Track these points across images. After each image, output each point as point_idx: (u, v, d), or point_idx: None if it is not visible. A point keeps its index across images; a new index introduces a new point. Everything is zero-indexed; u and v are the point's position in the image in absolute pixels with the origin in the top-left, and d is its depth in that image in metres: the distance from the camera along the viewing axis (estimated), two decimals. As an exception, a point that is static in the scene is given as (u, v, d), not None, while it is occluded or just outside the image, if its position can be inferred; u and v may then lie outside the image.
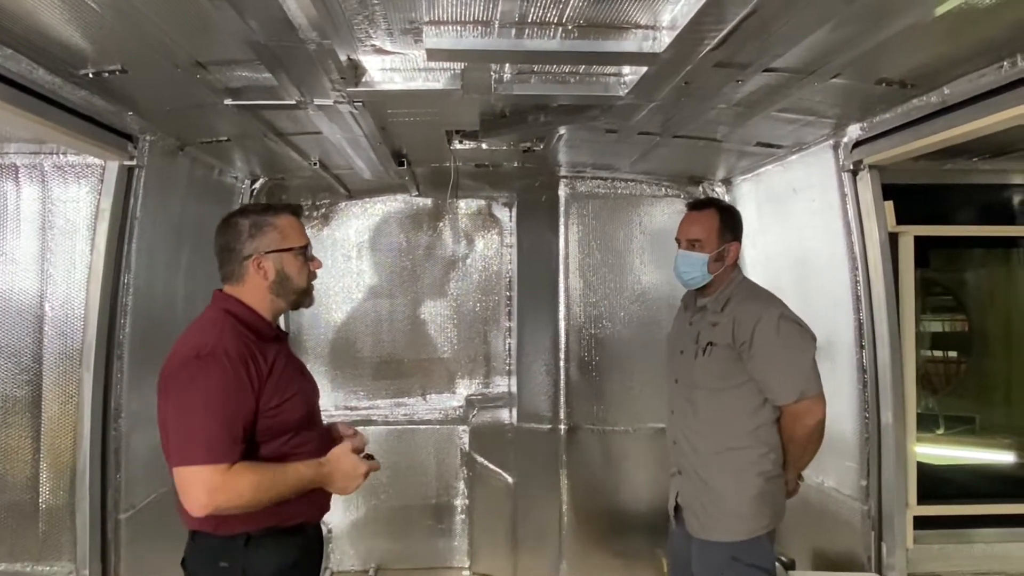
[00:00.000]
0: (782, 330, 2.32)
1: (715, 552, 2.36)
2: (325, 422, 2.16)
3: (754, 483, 2.36)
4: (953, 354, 4.01)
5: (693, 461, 2.41)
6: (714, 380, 2.36)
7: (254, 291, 1.95)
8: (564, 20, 1.93)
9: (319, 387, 2.15)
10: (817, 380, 2.35)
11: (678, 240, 2.50)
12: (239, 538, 1.82)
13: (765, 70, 2.23)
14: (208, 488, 1.69)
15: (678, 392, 2.47)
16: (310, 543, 1.99)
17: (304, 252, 2.01)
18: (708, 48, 1.95)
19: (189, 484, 1.70)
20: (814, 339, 2.38)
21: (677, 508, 2.50)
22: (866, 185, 2.87)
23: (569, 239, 4.32)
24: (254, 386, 1.80)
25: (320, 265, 2.08)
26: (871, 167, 2.83)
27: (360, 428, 4.77)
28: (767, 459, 2.37)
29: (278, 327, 2.04)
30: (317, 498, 1.96)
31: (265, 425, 1.82)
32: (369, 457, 2.00)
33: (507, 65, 2.34)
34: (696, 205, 2.65)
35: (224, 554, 1.83)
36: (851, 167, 2.90)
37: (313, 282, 2.05)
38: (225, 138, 3.12)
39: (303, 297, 2.03)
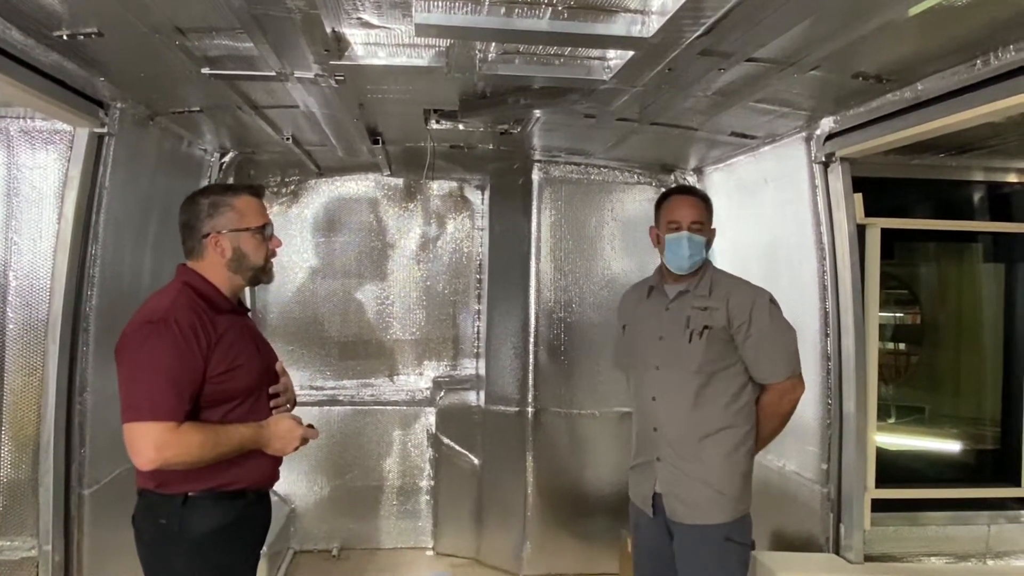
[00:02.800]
0: (773, 313, 2.41)
1: (707, 535, 2.39)
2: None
3: (743, 462, 2.42)
4: (904, 346, 4.14)
5: (680, 446, 2.43)
6: (709, 363, 2.40)
7: (212, 267, 2.04)
8: (555, 1, 1.93)
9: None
10: (799, 360, 2.46)
11: (676, 223, 2.46)
12: (177, 497, 1.91)
13: (747, 59, 2.27)
14: (156, 443, 1.79)
15: (660, 378, 2.48)
16: (252, 509, 2.06)
17: (262, 231, 2.08)
18: (696, 35, 1.98)
19: (137, 439, 1.80)
20: None
21: (655, 496, 2.50)
22: (837, 177, 2.94)
23: (541, 223, 4.34)
24: (202, 352, 1.89)
25: (279, 244, 2.15)
26: (842, 159, 2.90)
27: (327, 408, 4.73)
28: (750, 437, 2.44)
29: (239, 301, 2.13)
30: (259, 465, 2.04)
31: (211, 390, 1.91)
32: (310, 427, 2.11)
33: (492, 44, 2.34)
34: (689, 191, 2.67)
35: (163, 512, 1.92)
36: (823, 159, 2.97)
37: (272, 260, 2.13)
38: (197, 108, 3.05)
39: (260, 274, 2.11)
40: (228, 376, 1.94)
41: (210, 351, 1.91)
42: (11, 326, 2.66)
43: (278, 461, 2.13)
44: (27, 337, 2.66)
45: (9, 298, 2.66)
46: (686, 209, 2.50)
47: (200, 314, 1.93)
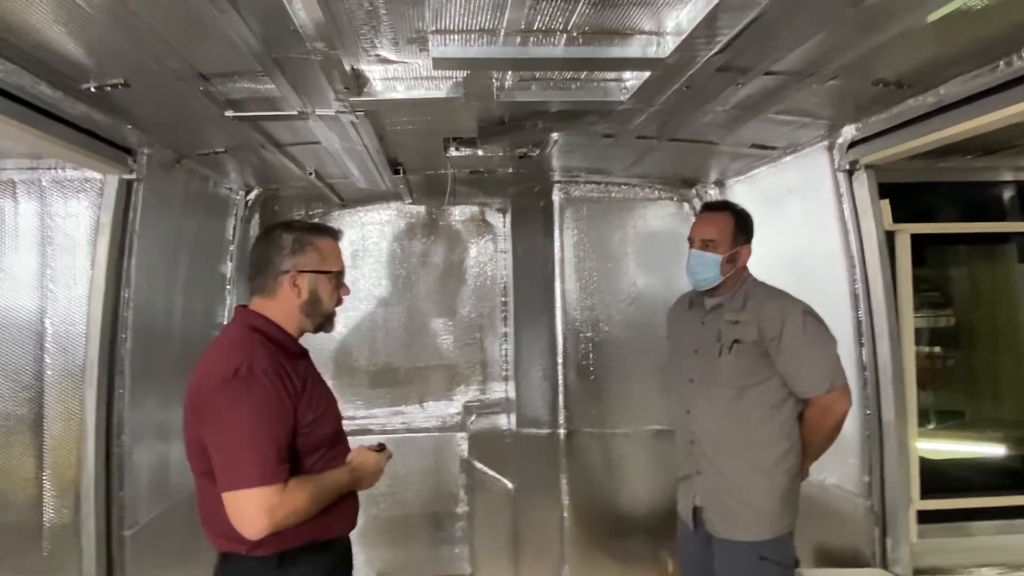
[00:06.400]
0: (808, 324, 2.39)
1: (742, 552, 2.37)
2: None
3: (782, 480, 2.39)
4: (939, 349, 4.06)
5: (716, 460, 2.42)
6: (740, 377, 2.38)
7: (283, 308, 1.94)
8: (569, 27, 1.94)
9: None
10: (843, 371, 2.41)
11: (691, 240, 2.52)
12: (272, 558, 1.80)
13: (765, 73, 2.26)
14: (267, 509, 1.68)
15: (696, 392, 2.48)
16: (341, 557, 1.99)
17: (338, 278, 2.02)
18: (712, 53, 1.97)
19: (245, 506, 1.68)
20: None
21: (695, 510, 2.49)
22: (862, 184, 2.90)
23: (564, 243, 4.33)
24: (292, 402, 1.79)
25: (348, 292, 2.07)
26: (867, 167, 2.87)
27: (359, 438, 4.77)
28: (791, 455, 2.40)
29: (300, 343, 2.03)
30: (348, 511, 1.97)
31: (302, 441, 1.82)
32: (381, 447, 2.06)
33: (509, 72, 2.35)
34: (711, 207, 2.68)
35: (260, 575, 1.81)
36: (847, 167, 2.93)
37: (338, 308, 2.05)
38: (222, 149, 3.10)
39: (327, 322, 2.03)
40: (315, 425, 1.85)
41: (298, 400, 1.81)
42: (49, 372, 2.72)
43: (359, 503, 2.06)
44: (65, 383, 2.71)
45: (47, 344, 2.72)
46: (699, 226, 2.55)
47: (280, 361, 1.83)
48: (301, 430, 1.81)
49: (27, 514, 2.69)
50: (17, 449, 2.69)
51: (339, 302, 2.04)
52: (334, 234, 2.05)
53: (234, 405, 1.72)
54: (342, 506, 1.93)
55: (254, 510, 1.68)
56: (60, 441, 2.70)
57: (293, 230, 1.98)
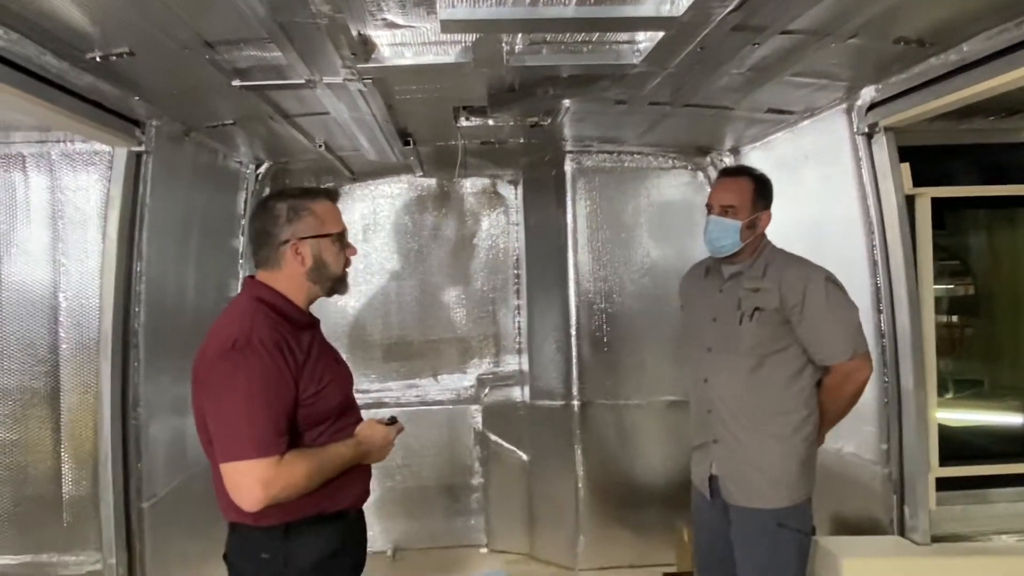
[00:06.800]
0: (830, 291, 2.34)
1: (760, 519, 2.36)
2: None
3: (800, 447, 2.37)
4: (957, 318, 4.01)
5: (734, 428, 2.40)
6: (761, 345, 2.35)
7: (290, 277, 1.90)
8: (581, -15, 1.89)
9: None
10: (864, 338, 2.38)
11: (709, 206, 2.47)
12: (278, 528, 1.78)
13: (782, 32, 2.20)
14: (263, 481, 1.66)
15: (714, 360, 2.46)
16: (352, 529, 1.95)
17: (341, 238, 1.95)
18: (728, 10, 1.92)
19: (242, 478, 1.67)
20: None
21: (711, 479, 2.48)
22: (881, 148, 2.84)
23: (577, 214, 4.29)
24: (292, 374, 1.76)
25: (355, 252, 2.01)
26: (886, 129, 2.80)
27: (373, 411, 4.79)
28: (809, 422, 2.38)
29: (310, 313, 2.00)
30: (358, 483, 1.94)
31: (305, 413, 1.79)
32: (393, 420, 2.00)
33: (519, 36, 2.31)
34: (729, 172, 2.63)
35: (265, 545, 1.79)
36: (866, 130, 2.87)
37: (348, 268, 2.00)
38: (230, 121, 3.08)
39: (338, 284, 1.98)
40: (319, 396, 1.81)
41: (299, 372, 1.77)
42: (64, 346, 2.73)
43: (370, 474, 2.02)
44: (80, 356, 2.72)
45: (60, 319, 2.73)
46: (718, 191, 2.50)
47: (283, 333, 1.79)
48: (304, 402, 1.78)
49: (47, 486, 2.72)
50: (35, 422, 2.72)
51: (347, 263, 1.99)
52: (329, 195, 1.98)
53: (231, 377, 1.70)
54: (351, 478, 1.89)
55: (250, 482, 1.66)
56: (77, 414, 2.72)
57: (286, 198, 1.93)
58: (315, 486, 1.76)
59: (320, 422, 1.84)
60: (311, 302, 1.96)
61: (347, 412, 1.95)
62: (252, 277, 1.95)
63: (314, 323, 1.97)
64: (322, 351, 1.91)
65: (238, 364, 1.69)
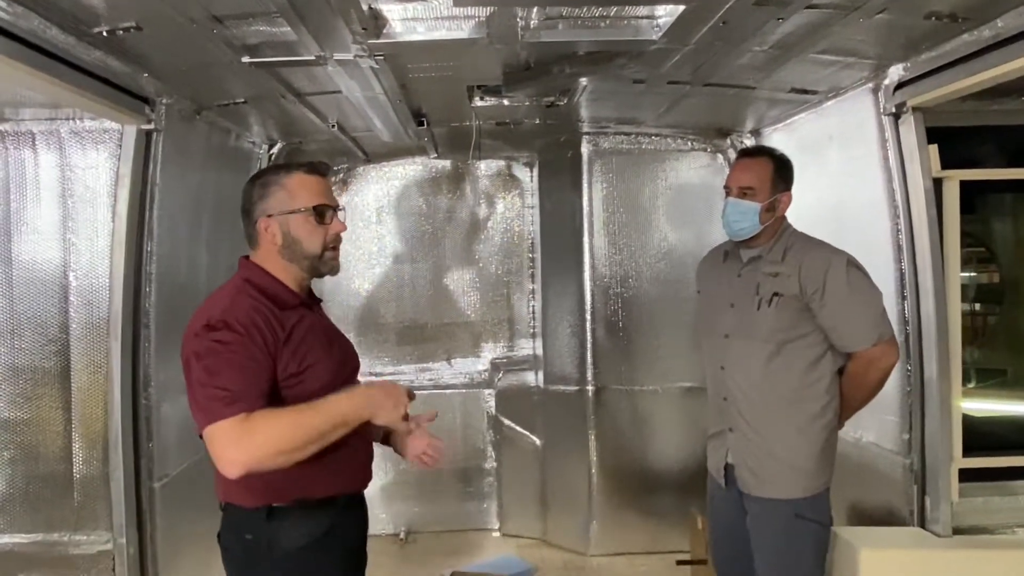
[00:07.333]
0: (852, 276, 2.27)
1: (777, 510, 2.30)
2: None
3: (819, 437, 2.31)
4: (980, 306, 3.92)
5: (751, 417, 2.34)
6: (780, 331, 2.28)
7: (268, 256, 1.82)
8: (598, -44, 1.83)
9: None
10: (889, 322, 2.31)
11: (728, 188, 2.40)
12: (262, 510, 1.73)
13: (807, 7, 2.11)
14: (233, 441, 1.57)
15: (731, 347, 2.39)
16: (345, 516, 1.86)
17: (318, 213, 1.81)
18: (751, -18, 1.85)
19: (215, 443, 1.59)
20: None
21: (727, 467, 2.43)
22: (909, 129, 2.74)
23: (593, 197, 4.23)
24: (269, 351, 1.68)
25: (342, 228, 1.86)
26: (914, 109, 2.71)
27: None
28: (829, 410, 2.32)
29: (310, 292, 1.93)
30: (348, 466, 1.84)
31: (285, 396, 1.71)
32: (411, 395, 1.85)
33: (534, 10, 2.24)
34: (749, 152, 2.56)
35: (249, 526, 1.75)
36: (893, 110, 2.77)
37: (335, 248, 1.86)
38: (242, 100, 3.04)
39: (319, 263, 1.84)
40: (300, 379, 1.72)
41: (277, 350, 1.69)
42: (74, 325, 2.71)
43: (369, 459, 1.92)
44: (90, 336, 2.71)
45: (71, 298, 2.71)
46: (737, 172, 2.42)
47: (264, 313, 1.71)
48: (285, 383, 1.70)
49: (58, 465, 2.71)
50: (45, 401, 2.71)
51: (333, 240, 1.85)
52: (310, 167, 1.84)
53: (201, 356, 1.64)
54: (340, 461, 1.78)
55: (223, 445, 1.58)
56: (87, 394, 2.71)
57: (262, 175, 1.86)
58: (303, 441, 1.62)
59: None
60: (300, 282, 1.86)
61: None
62: (246, 257, 1.88)
63: (306, 303, 1.87)
64: (311, 333, 1.81)
65: (209, 343, 1.65)
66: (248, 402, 1.60)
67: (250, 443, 1.57)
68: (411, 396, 1.83)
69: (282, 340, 1.71)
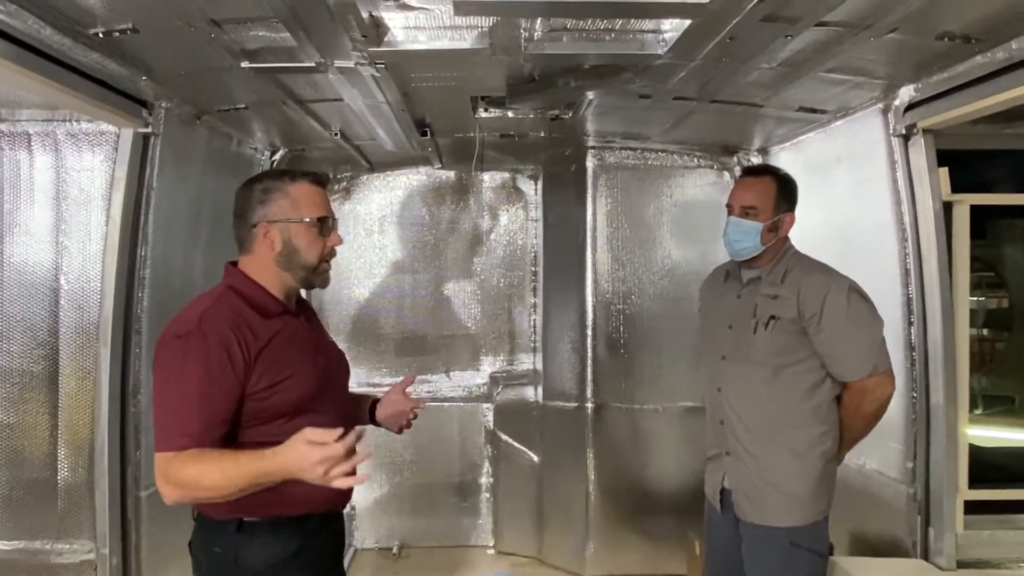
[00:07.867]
0: (852, 303, 2.21)
1: (772, 538, 2.25)
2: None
3: (816, 464, 2.25)
4: (987, 332, 3.86)
5: (747, 441, 2.29)
6: (776, 355, 2.23)
7: (260, 262, 1.80)
8: (603, -32, 1.79)
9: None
10: (887, 354, 2.25)
11: (730, 207, 2.35)
12: (231, 523, 1.72)
13: (817, 24, 2.07)
14: (161, 474, 1.61)
15: (728, 369, 2.34)
16: (317, 536, 1.81)
17: (321, 225, 1.81)
18: (758, -2, 1.80)
19: (154, 469, 1.63)
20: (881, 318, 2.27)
21: (723, 492, 2.37)
22: (919, 151, 2.69)
23: (597, 212, 4.18)
24: (236, 370, 1.65)
25: (339, 241, 1.86)
26: (925, 131, 2.66)
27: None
28: (827, 438, 2.26)
29: (299, 300, 1.90)
30: (322, 487, 1.69)
31: (254, 408, 1.68)
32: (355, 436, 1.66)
33: (538, 22, 2.20)
34: (752, 171, 2.52)
35: (217, 539, 1.74)
36: (903, 132, 2.72)
37: (329, 261, 1.85)
38: (243, 105, 3.00)
39: (312, 275, 1.83)
40: (274, 390, 1.69)
41: (250, 364, 1.66)
42: (63, 329, 2.67)
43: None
44: (80, 340, 2.67)
45: (61, 302, 2.67)
46: (739, 191, 2.38)
47: (240, 325, 1.68)
48: (254, 395, 1.67)
49: (42, 471, 2.67)
50: (32, 406, 2.67)
51: (329, 253, 1.84)
52: (314, 178, 1.84)
53: (166, 365, 1.65)
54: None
55: (157, 473, 1.62)
56: (75, 400, 2.67)
57: (263, 179, 1.83)
58: (224, 492, 1.59)
59: (271, 419, 1.71)
60: (287, 291, 1.84)
61: (313, 409, 1.77)
62: (232, 263, 1.85)
63: (289, 311, 1.84)
64: (292, 342, 1.78)
65: (176, 353, 1.64)
66: (189, 436, 1.60)
67: (175, 480, 1.59)
68: (359, 436, 1.64)
69: (256, 352, 1.69)
